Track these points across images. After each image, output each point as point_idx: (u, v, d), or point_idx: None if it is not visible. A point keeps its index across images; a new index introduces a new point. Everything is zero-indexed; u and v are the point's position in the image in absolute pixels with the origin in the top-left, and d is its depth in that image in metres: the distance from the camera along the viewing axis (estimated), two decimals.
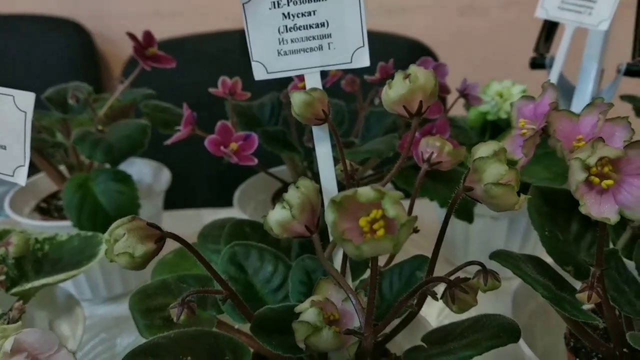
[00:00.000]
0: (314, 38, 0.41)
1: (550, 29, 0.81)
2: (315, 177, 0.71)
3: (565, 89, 0.80)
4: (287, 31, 0.41)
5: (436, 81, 0.39)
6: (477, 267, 0.35)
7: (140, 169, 0.77)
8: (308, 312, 0.33)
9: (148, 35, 0.64)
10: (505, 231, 0.68)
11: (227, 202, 0.97)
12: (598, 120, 0.40)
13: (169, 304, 0.42)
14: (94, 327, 0.64)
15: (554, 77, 0.74)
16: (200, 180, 1.27)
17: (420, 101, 0.38)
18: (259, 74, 0.43)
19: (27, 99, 0.42)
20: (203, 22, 1.47)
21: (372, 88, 0.69)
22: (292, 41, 0.42)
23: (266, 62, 0.42)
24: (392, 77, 0.63)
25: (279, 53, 0.42)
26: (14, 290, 0.45)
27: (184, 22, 1.53)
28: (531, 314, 0.51)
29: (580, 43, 0.78)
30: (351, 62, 0.41)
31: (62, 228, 0.61)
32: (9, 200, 0.69)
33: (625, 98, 0.75)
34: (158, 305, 0.42)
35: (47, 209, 0.71)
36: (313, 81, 0.42)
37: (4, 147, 0.43)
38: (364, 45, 0.41)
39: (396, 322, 0.40)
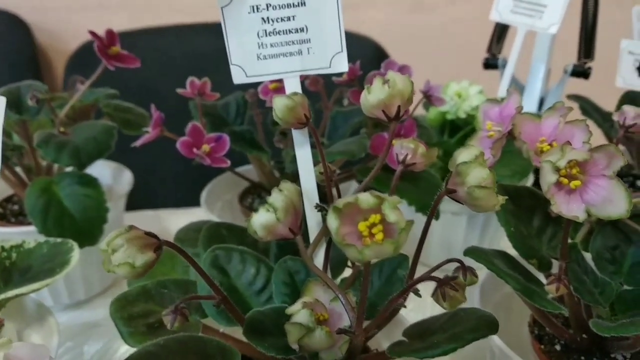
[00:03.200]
0: (293, 43, 0.42)
1: (501, 31, 0.85)
2: (284, 177, 0.72)
3: (517, 89, 0.84)
4: (266, 35, 0.42)
5: (412, 86, 0.40)
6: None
7: (100, 170, 0.75)
8: (300, 313, 0.34)
9: (110, 33, 0.62)
10: (464, 226, 0.71)
11: (185, 203, 0.96)
12: (559, 122, 0.43)
13: (151, 310, 0.43)
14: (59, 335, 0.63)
15: (507, 77, 0.78)
16: (157, 180, 1.24)
17: (399, 106, 0.40)
18: (238, 77, 0.43)
19: None
20: (152, 15, 1.43)
21: (336, 88, 0.71)
22: (271, 45, 0.42)
23: (245, 66, 0.43)
24: (359, 78, 0.65)
25: (258, 57, 0.42)
26: None
27: (131, 15, 1.48)
28: (496, 304, 0.54)
29: (529, 45, 0.83)
30: (330, 67, 0.42)
31: (24, 234, 0.59)
32: None
33: (572, 97, 0.79)
34: (140, 312, 0.41)
35: (4, 214, 0.68)
36: (292, 85, 0.43)
37: None
38: (342, 51, 0.42)
39: None
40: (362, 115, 0.67)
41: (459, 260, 0.37)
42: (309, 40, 0.42)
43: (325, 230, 0.45)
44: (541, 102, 0.85)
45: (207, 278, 0.35)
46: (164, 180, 1.26)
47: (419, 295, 0.36)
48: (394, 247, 0.26)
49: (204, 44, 1.31)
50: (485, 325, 0.36)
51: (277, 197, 0.39)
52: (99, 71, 0.63)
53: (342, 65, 0.42)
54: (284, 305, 0.40)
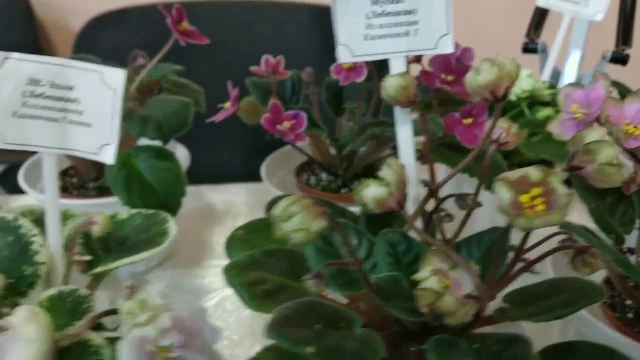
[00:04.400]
0: (401, 24, 0.44)
1: (540, 16, 0.87)
2: (339, 154, 0.73)
3: (553, 73, 0.87)
4: (375, 17, 0.43)
5: (519, 69, 0.42)
6: None
7: None
8: (430, 279, 0.36)
9: (179, 10, 0.62)
10: None
11: (219, 179, 0.97)
12: None
13: (264, 277, 0.45)
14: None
15: (551, 62, 0.80)
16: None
17: (507, 87, 0.42)
18: (344, 56, 0.45)
19: (117, 76, 0.41)
20: None
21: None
22: (379, 26, 0.44)
23: (352, 46, 0.44)
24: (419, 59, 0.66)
25: (365, 37, 0.44)
26: (97, 269, 0.45)
27: None
28: (566, 273, 0.57)
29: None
30: (435, 48, 0.44)
31: (101, 205, 0.60)
32: (24, 181, 0.67)
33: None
34: (255, 279, 0.43)
35: (65, 186, 0.69)
36: (398, 65, 0.45)
37: (88, 125, 0.42)
38: (449, 33, 0.44)
39: None
40: (422, 95, 0.69)
41: (566, 232, 0.40)
42: (417, 22, 0.44)
43: (422, 205, 0.47)
44: None
45: (350, 247, 0.37)
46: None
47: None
48: (560, 217, 0.28)
49: (212, 21, 1.31)
50: (594, 292, 0.39)
51: (388, 172, 0.41)
52: (167, 46, 0.63)
53: (447, 46, 0.44)
54: (396, 274, 0.42)
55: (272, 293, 0.42)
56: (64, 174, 0.72)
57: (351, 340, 0.37)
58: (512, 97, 0.74)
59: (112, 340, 0.36)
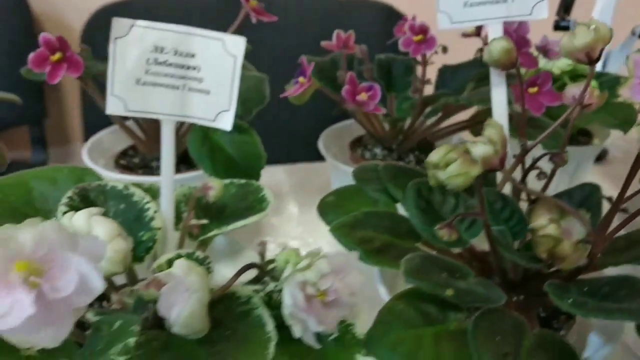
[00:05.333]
0: None
1: None
2: (394, 127, 0.76)
3: None
4: None
5: (611, 33, 0.45)
6: None
7: None
8: (549, 227, 0.39)
9: None
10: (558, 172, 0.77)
11: None
12: None
13: (371, 236, 0.47)
14: None
15: None
16: None
17: (602, 49, 0.45)
18: (443, 23, 0.47)
19: (237, 43, 0.43)
20: None
21: None
22: None
23: (452, 12, 0.47)
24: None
25: (465, 4, 0.46)
26: (211, 233, 0.46)
27: None
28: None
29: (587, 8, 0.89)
30: (531, 14, 0.47)
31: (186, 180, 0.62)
32: (91, 162, 0.67)
33: None
34: (363, 237, 0.45)
35: (128, 165, 0.70)
36: (496, 31, 0.47)
37: (207, 92, 0.44)
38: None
39: None
40: (473, 70, 0.72)
41: None
42: None
43: (518, 162, 0.50)
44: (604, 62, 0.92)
45: (482, 200, 0.39)
46: None
47: None
48: None
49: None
50: None
51: (493, 132, 0.43)
52: (237, 23, 0.64)
53: (542, 12, 0.47)
54: (502, 227, 0.45)
55: (382, 250, 0.45)
56: (123, 154, 0.73)
57: (475, 286, 0.40)
58: (556, 70, 0.77)
59: (256, 292, 0.38)
